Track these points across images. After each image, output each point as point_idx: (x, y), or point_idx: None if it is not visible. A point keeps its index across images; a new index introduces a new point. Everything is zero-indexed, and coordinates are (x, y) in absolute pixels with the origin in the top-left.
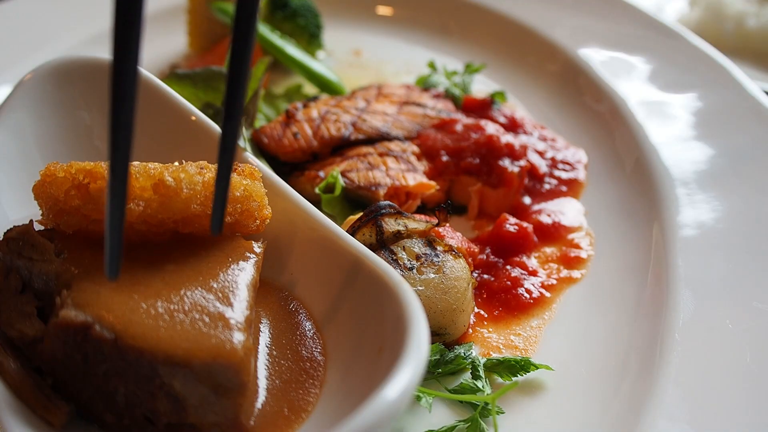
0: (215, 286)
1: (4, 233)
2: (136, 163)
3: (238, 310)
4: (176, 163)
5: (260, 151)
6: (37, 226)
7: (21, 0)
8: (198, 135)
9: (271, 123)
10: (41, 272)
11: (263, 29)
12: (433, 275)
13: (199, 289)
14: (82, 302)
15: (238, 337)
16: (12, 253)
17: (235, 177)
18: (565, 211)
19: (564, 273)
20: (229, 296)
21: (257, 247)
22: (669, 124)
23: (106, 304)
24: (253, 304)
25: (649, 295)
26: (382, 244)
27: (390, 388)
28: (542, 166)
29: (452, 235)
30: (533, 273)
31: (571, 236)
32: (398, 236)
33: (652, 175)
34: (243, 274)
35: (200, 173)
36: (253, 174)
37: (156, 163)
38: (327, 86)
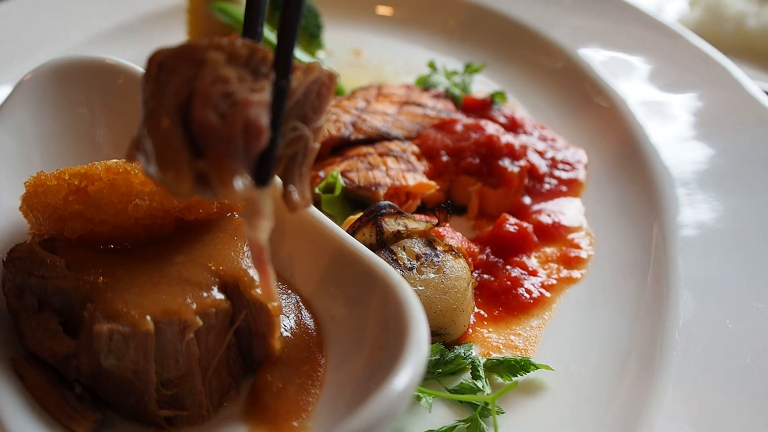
0: (230, 266)
1: (8, 253)
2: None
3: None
4: None
5: None
6: None
7: (21, 0)
8: None
9: None
10: (57, 289)
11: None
12: (433, 275)
13: (216, 273)
14: (112, 313)
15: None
16: (21, 273)
17: None
18: (565, 211)
19: (564, 273)
20: (248, 271)
21: None
22: (669, 124)
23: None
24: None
25: (649, 295)
26: (382, 244)
27: (390, 388)
28: (542, 166)
29: (452, 235)
30: (533, 273)
31: (571, 236)
32: (398, 236)
33: (652, 175)
34: None
35: None
36: None
37: None
38: None
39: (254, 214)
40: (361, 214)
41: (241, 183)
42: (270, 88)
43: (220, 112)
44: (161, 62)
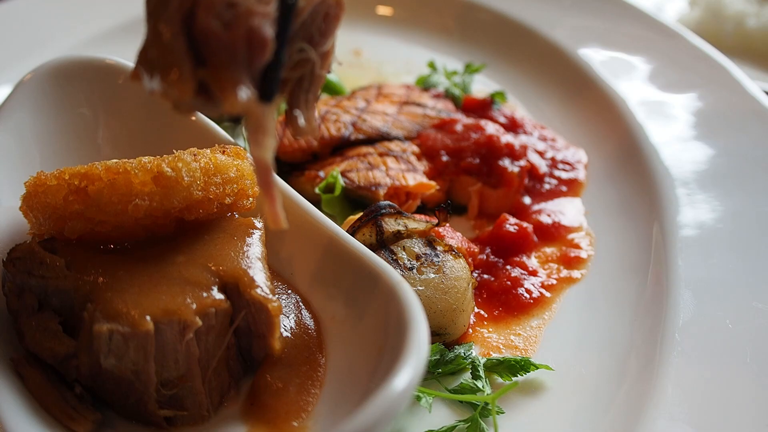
0: (229, 267)
1: (8, 253)
2: (131, 160)
3: (260, 281)
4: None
5: None
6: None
7: (21, 0)
8: (197, 135)
9: None
10: (57, 289)
11: None
12: (433, 275)
13: (216, 273)
14: (112, 313)
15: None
16: (21, 273)
17: (226, 158)
18: (565, 211)
19: (564, 273)
20: (248, 271)
21: (258, 222)
22: (669, 124)
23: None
24: (270, 274)
25: (649, 295)
26: (382, 244)
27: (390, 388)
28: (542, 166)
29: (452, 235)
30: (533, 273)
31: (571, 236)
32: (398, 236)
33: (652, 175)
34: (252, 249)
35: (195, 159)
36: (240, 153)
37: (149, 157)
38: (327, 86)
39: (258, 130)
40: (361, 214)
41: (243, 93)
42: (276, 3)
43: (223, 20)
44: None
